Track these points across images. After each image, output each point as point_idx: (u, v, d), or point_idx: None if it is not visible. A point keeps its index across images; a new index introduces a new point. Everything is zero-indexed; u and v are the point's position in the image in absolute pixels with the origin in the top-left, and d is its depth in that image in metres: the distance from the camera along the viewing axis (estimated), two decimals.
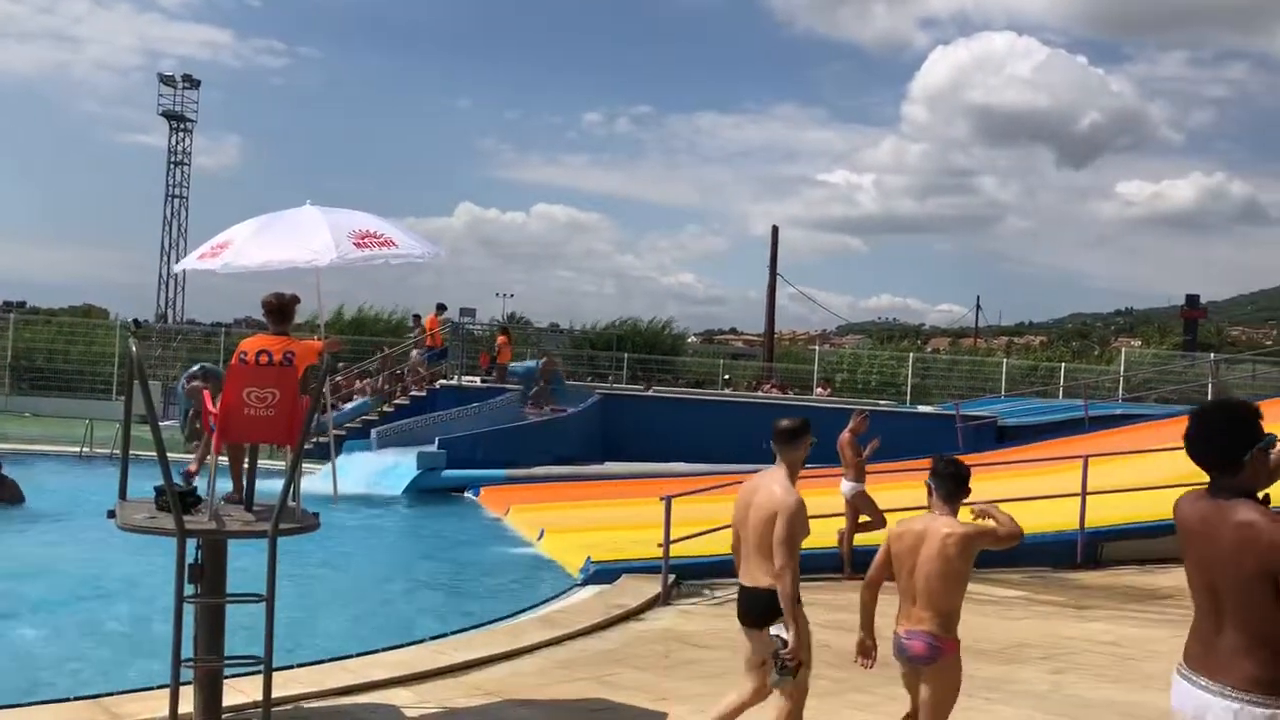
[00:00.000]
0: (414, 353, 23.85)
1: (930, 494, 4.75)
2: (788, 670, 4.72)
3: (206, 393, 6.72)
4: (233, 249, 6.43)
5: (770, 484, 4.91)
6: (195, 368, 18.16)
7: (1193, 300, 42.52)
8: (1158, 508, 11.92)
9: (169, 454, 5.25)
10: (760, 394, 30.73)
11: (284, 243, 6.42)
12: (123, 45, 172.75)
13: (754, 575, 4.90)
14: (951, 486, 4.69)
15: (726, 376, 36.14)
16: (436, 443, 18.88)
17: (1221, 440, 3.17)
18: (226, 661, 5.56)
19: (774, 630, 4.79)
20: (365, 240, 6.47)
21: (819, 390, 33.38)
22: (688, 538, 10.36)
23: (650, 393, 26.86)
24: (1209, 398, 26.05)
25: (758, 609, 4.88)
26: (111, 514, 5.64)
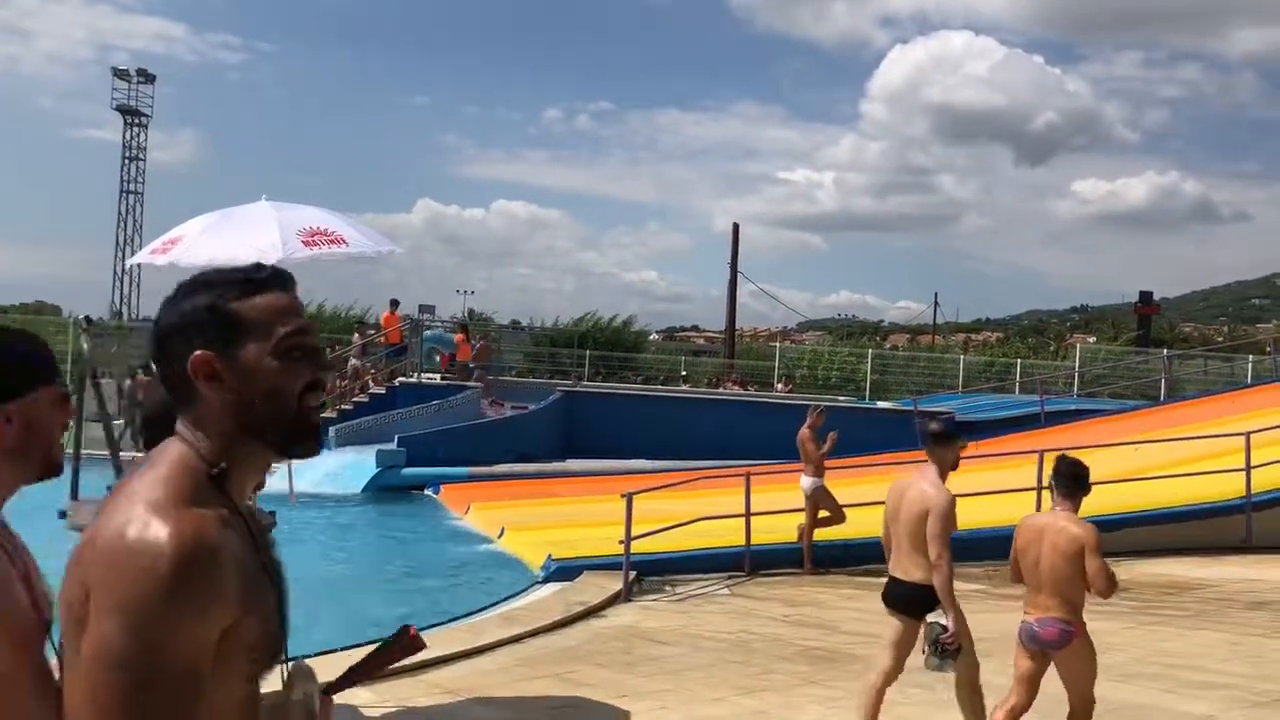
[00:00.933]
0: (352, 361, 23.60)
1: (1052, 492, 5.25)
2: (948, 654, 5.15)
3: None
4: (183, 245, 6.37)
5: (921, 482, 5.33)
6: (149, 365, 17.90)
7: (1146, 297, 43.11)
8: (1112, 502, 12.09)
9: (122, 453, 5.18)
10: (721, 391, 30.81)
11: (233, 240, 6.37)
12: (74, 39, 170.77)
13: (906, 569, 5.34)
14: (1071, 485, 5.12)
15: (684, 373, 36.19)
16: (396, 440, 18.76)
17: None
18: None
19: (932, 618, 5.22)
20: (314, 238, 6.43)
21: (779, 386, 33.53)
22: (649, 534, 10.37)
23: (579, 388, 26.82)
24: (1162, 394, 26.44)
25: (911, 601, 5.32)
26: (63, 514, 5.56)
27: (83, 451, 6.11)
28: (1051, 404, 23.39)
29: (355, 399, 22.42)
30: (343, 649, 7.54)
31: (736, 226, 40.98)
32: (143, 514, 1.39)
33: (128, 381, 19.96)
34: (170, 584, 1.33)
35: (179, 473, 1.47)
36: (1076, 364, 35.36)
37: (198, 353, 1.50)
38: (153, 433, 2.22)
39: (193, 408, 1.53)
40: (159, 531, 1.36)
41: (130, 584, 1.33)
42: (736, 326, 43.33)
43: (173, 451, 1.51)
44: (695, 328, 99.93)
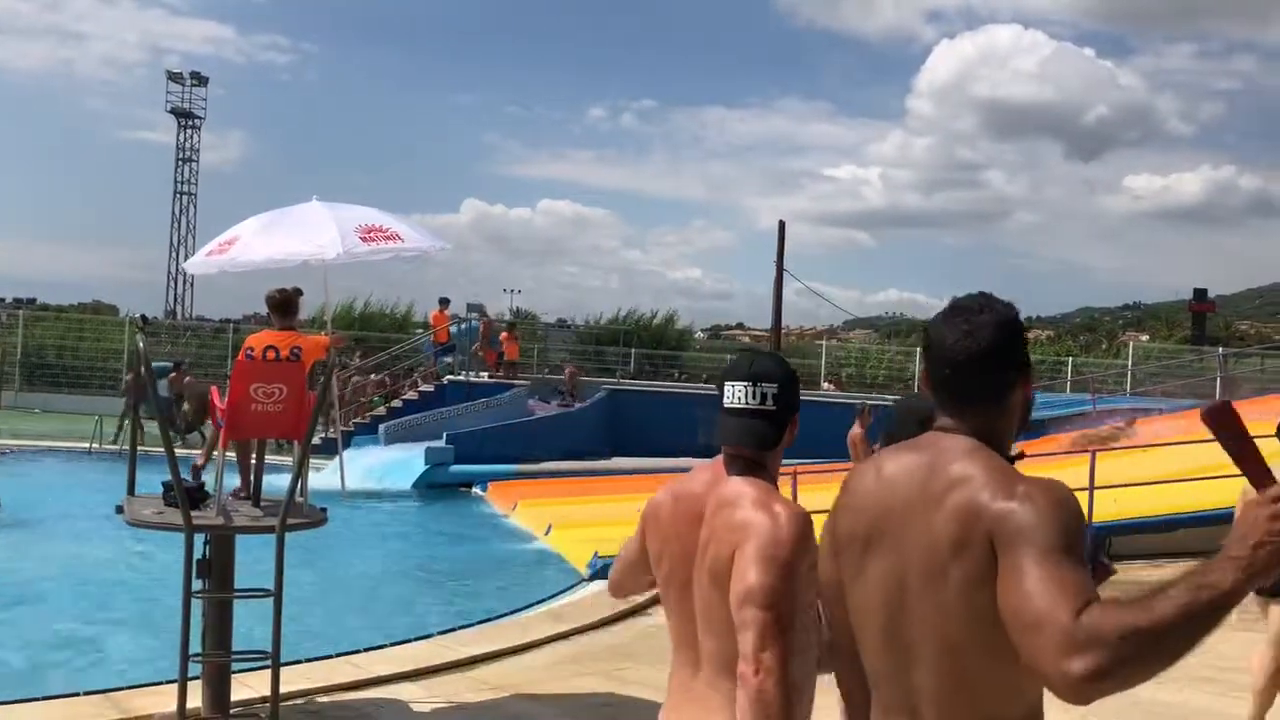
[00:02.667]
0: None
1: None
2: None
3: (215, 389, 6.74)
4: (239, 245, 6.44)
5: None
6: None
7: (1200, 294, 42.47)
8: (1166, 502, 11.89)
9: (177, 450, 5.27)
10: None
11: (291, 238, 6.43)
12: (127, 42, 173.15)
13: None
14: None
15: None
16: (445, 438, 18.91)
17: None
18: (234, 656, 5.58)
19: None
20: (371, 234, 6.48)
21: (826, 385, 33.35)
22: None
23: (623, 386, 26.81)
24: (1217, 393, 25.97)
25: None
26: (120, 509, 5.66)
27: (139, 449, 6.21)
28: (1103, 402, 23.09)
29: (405, 396, 22.63)
30: (392, 644, 7.64)
31: (782, 224, 40.71)
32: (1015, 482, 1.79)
33: (163, 379, 20.28)
34: None
35: (1002, 461, 1.86)
36: (1129, 362, 34.84)
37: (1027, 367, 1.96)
38: (907, 431, 2.28)
39: (998, 410, 1.92)
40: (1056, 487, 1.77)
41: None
42: (782, 325, 43.17)
43: (969, 444, 1.87)
44: (740, 325, 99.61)
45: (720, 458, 2.41)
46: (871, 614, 1.93)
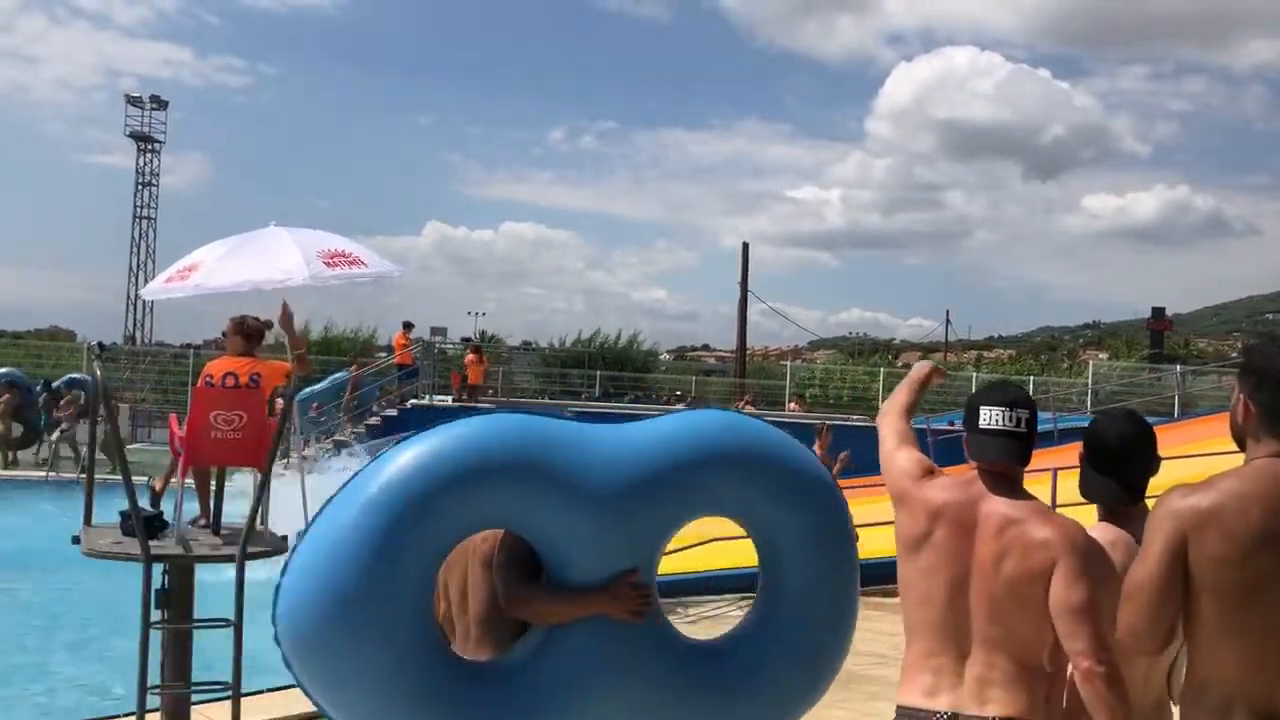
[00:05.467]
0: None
1: None
2: None
3: (174, 416, 6.66)
4: (202, 271, 6.37)
5: None
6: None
7: (1158, 313, 43.08)
8: None
9: (135, 478, 5.19)
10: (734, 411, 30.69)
11: (255, 263, 6.37)
12: (83, 64, 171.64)
13: None
14: None
15: (678, 393, 35.99)
16: None
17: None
18: (194, 688, 5.49)
19: None
20: (335, 259, 6.44)
21: (791, 406, 33.47)
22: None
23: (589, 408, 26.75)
24: (1176, 410, 26.33)
25: None
26: (76, 539, 5.57)
27: (95, 477, 6.11)
28: (1065, 421, 23.29)
29: (367, 421, 22.47)
30: None
31: (746, 246, 41.03)
32: None
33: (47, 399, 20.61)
34: None
35: None
36: (1089, 380, 35.25)
37: None
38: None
39: None
40: None
41: None
42: (747, 345, 43.34)
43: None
44: (706, 347, 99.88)
45: (971, 472, 2.80)
46: None
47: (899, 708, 2.79)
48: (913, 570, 2.80)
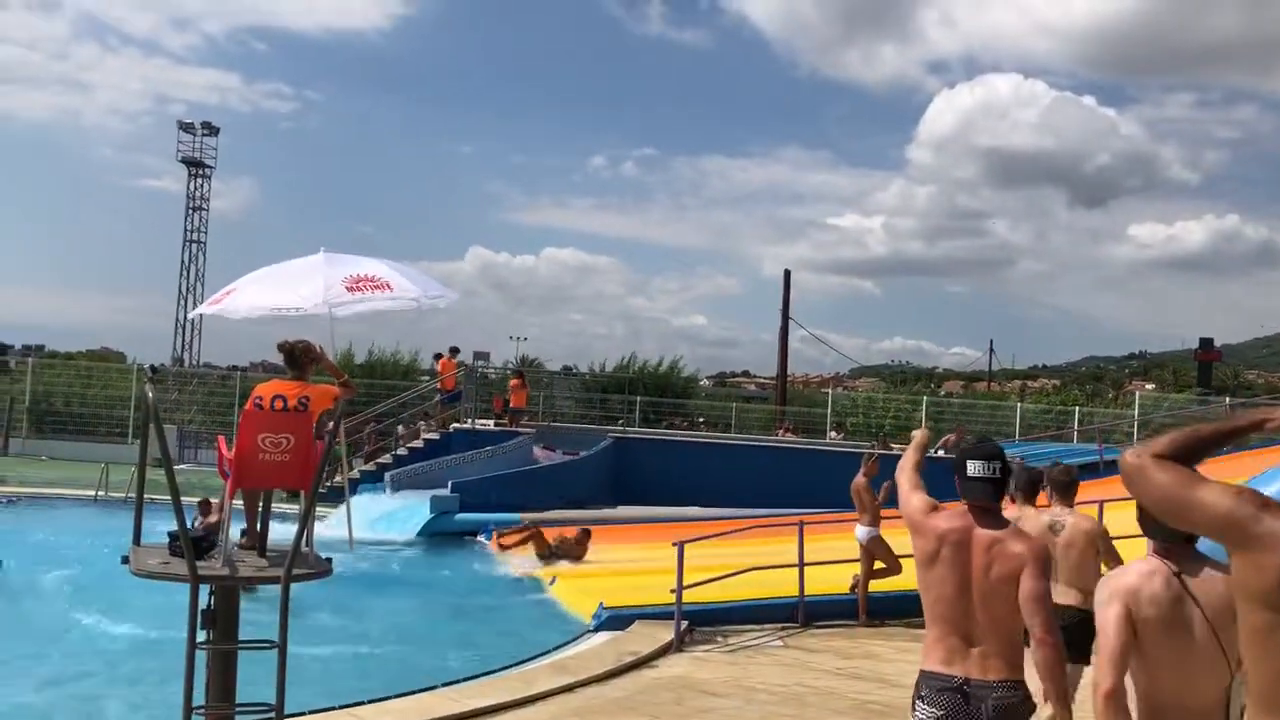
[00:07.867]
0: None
1: None
2: None
3: (221, 438, 6.75)
4: (235, 295, 6.54)
5: None
6: None
7: (1207, 344, 42.45)
8: None
9: (184, 498, 5.27)
10: (774, 438, 30.63)
11: (275, 289, 6.53)
12: (133, 91, 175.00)
13: None
14: None
15: (731, 421, 35.79)
16: (450, 486, 18.89)
17: None
18: (238, 709, 5.54)
19: None
20: (359, 284, 6.54)
21: (832, 434, 33.27)
22: (701, 583, 10.29)
23: (629, 433, 26.72)
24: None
25: None
26: (125, 559, 5.65)
27: (145, 498, 6.21)
28: (1111, 453, 22.98)
29: (410, 444, 22.65)
30: (396, 695, 7.58)
31: (788, 273, 40.98)
32: None
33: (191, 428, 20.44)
34: None
35: None
36: (1136, 412, 34.76)
37: None
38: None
39: None
40: None
41: None
42: (788, 372, 43.20)
43: None
44: (746, 373, 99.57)
45: (962, 506, 3.80)
46: None
47: (923, 672, 3.73)
48: (928, 578, 3.78)
